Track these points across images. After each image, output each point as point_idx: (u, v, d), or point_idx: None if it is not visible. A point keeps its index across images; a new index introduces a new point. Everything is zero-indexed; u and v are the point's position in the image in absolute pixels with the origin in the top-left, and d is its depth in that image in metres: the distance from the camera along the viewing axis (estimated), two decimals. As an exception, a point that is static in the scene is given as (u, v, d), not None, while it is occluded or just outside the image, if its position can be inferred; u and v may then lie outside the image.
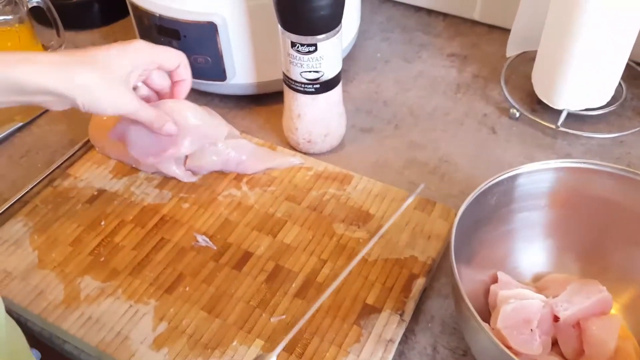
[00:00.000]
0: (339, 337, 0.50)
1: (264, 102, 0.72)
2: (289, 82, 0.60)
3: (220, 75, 0.66)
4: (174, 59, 0.55)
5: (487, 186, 0.49)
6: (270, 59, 0.66)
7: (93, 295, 0.53)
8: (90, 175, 0.63)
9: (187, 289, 0.53)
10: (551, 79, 0.66)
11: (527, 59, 0.74)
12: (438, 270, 0.56)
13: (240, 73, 0.67)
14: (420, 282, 0.53)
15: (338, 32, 0.57)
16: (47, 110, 0.72)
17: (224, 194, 0.61)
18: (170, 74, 0.56)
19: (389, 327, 0.50)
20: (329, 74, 0.59)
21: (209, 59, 0.65)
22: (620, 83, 0.69)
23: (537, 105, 0.69)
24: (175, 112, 0.56)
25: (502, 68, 0.74)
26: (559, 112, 0.67)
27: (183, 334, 0.50)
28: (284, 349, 0.48)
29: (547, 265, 0.54)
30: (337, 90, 0.62)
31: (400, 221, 0.58)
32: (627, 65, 0.69)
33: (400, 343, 0.52)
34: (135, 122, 0.54)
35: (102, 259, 0.56)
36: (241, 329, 0.50)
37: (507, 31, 0.77)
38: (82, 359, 0.52)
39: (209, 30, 0.62)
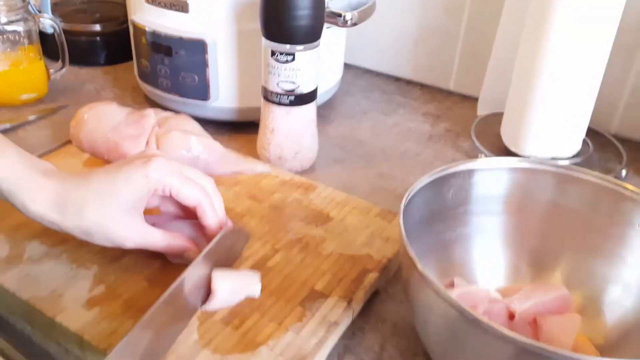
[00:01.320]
0: (281, 315, 0.47)
1: (242, 130, 0.74)
2: (266, 94, 0.64)
3: (204, 95, 0.70)
4: (193, 197, 0.48)
5: (443, 173, 0.50)
6: (252, 86, 0.70)
7: (36, 256, 0.52)
8: (61, 162, 0.64)
9: (133, 260, 0.52)
10: (518, 127, 0.69)
11: (497, 120, 0.77)
12: (395, 278, 0.55)
13: (224, 96, 0.71)
14: (372, 276, 0.51)
15: (316, 47, 0.62)
16: (39, 118, 0.75)
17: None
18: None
19: (334, 310, 0.48)
20: (304, 87, 0.62)
21: (195, 77, 0.69)
22: (588, 143, 0.72)
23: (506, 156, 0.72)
24: None
25: (472, 125, 0.77)
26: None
27: (119, 298, 0.48)
28: (220, 320, 0.46)
29: (505, 276, 0.53)
30: (311, 108, 0.65)
31: (360, 223, 0.57)
32: (597, 132, 0.74)
33: (346, 338, 0.49)
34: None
35: (54, 228, 0.55)
36: (181, 299, 0.48)
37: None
38: (9, 322, 0.49)
39: (199, 48, 0.67)
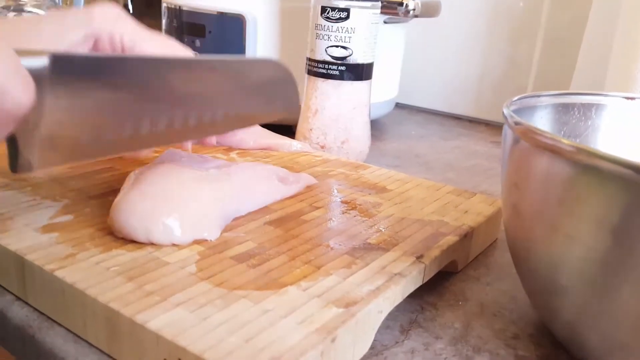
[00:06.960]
0: (320, 260, 0.32)
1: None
2: (311, 66, 0.53)
3: (238, 84, 0.60)
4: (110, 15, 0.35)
5: (557, 100, 0.37)
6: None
7: (-8, 187, 0.38)
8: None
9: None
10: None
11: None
12: (477, 262, 0.39)
13: (260, 88, 0.60)
14: (450, 239, 0.36)
15: (375, 8, 0.52)
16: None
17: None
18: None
19: (397, 263, 0.32)
20: (358, 55, 0.52)
21: (230, 62, 0.60)
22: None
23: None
24: None
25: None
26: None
27: (89, 227, 0.34)
28: (231, 257, 0.31)
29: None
30: (365, 87, 0.54)
31: (428, 197, 0.42)
32: None
33: (412, 311, 0.33)
34: None
35: (27, 167, 0.42)
36: (176, 235, 0.34)
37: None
38: None
39: (236, 26, 0.58)
